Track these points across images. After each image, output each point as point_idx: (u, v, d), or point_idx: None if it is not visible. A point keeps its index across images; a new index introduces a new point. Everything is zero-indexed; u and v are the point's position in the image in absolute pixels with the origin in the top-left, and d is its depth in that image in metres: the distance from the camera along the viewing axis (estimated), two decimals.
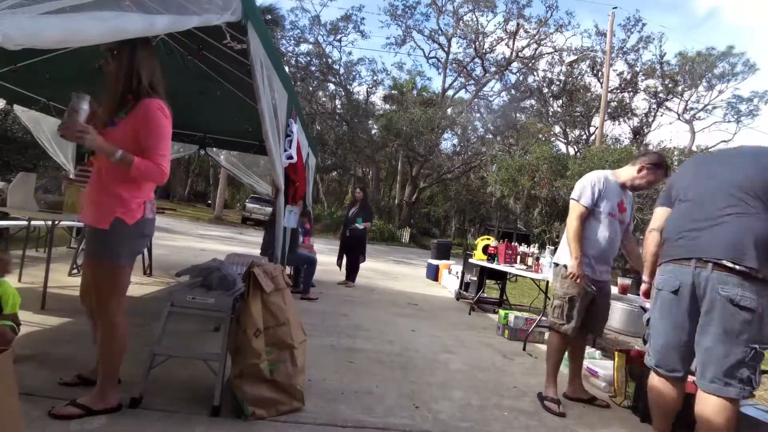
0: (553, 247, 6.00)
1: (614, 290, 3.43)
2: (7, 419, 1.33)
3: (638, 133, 24.04)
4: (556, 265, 2.92)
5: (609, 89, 18.44)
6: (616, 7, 15.90)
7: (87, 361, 2.23)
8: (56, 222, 3.82)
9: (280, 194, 3.18)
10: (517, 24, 22.93)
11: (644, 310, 3.02)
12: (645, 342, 2.23)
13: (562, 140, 25.10)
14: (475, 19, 24.65)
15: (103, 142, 1.77)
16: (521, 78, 25.28)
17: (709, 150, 22.39)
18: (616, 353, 3.15)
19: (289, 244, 3.87)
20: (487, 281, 6.17)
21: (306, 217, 5.84)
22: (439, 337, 4.17)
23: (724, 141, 25.12)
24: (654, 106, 23.92)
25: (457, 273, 7.11)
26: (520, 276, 5.06)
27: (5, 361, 1.34)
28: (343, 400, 2.42)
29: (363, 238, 6.68)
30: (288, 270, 5.37)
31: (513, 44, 23.65)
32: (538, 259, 4.66)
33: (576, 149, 23.66)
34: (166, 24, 1.69)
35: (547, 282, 4.33)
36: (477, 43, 24.47)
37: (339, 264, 6.85)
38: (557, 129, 25.04)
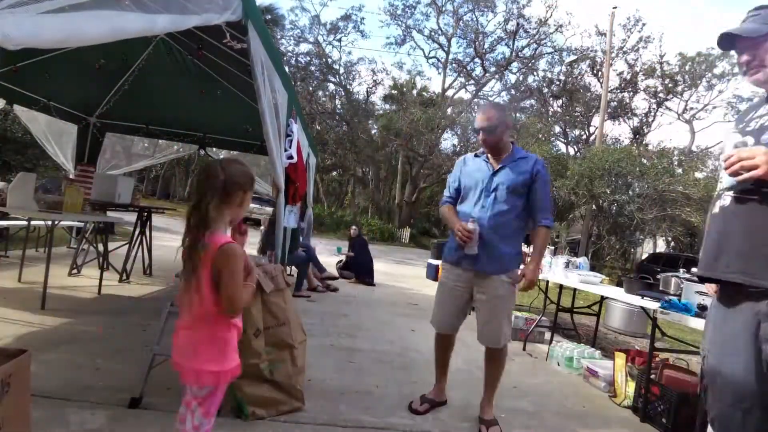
0: (553, 247, 5.98)
1: None
2: (20, 418, 1.35)
3: (638, 133, 24.01)
4: None
5: (609, 89, 18.43)
6: (616, 7, 15.91)
7: (86, 361, 2.22)
8: (56, 222, 3.82)
9: (281, 194, 3.18)
10: (517, 24, 22.92)
11: (644, 310, 3.01)
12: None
13: (562, 140, 25.06)
14: (475, 19, 24.66)
15: None
16: (521, 78, 25.28)
17: (709, 150, 22.42)
18: (616, 353, 3.15)
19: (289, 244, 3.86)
20: None
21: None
22: None
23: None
24: (654, 106, 23.89)
25: None
26: None
27: (24, 362, 1.36)
28: (343, 400, 2.42)
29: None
30: (288, 270, 5.36)
31: (513, 44, 23.65)
32: None
33: (576, 149, 23.63)
34: (167, 24, 1.69)
35: (547, 282, 4.32)
36: (477, 43, 24.46)
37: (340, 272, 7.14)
38: (557, 129, 25.02)
